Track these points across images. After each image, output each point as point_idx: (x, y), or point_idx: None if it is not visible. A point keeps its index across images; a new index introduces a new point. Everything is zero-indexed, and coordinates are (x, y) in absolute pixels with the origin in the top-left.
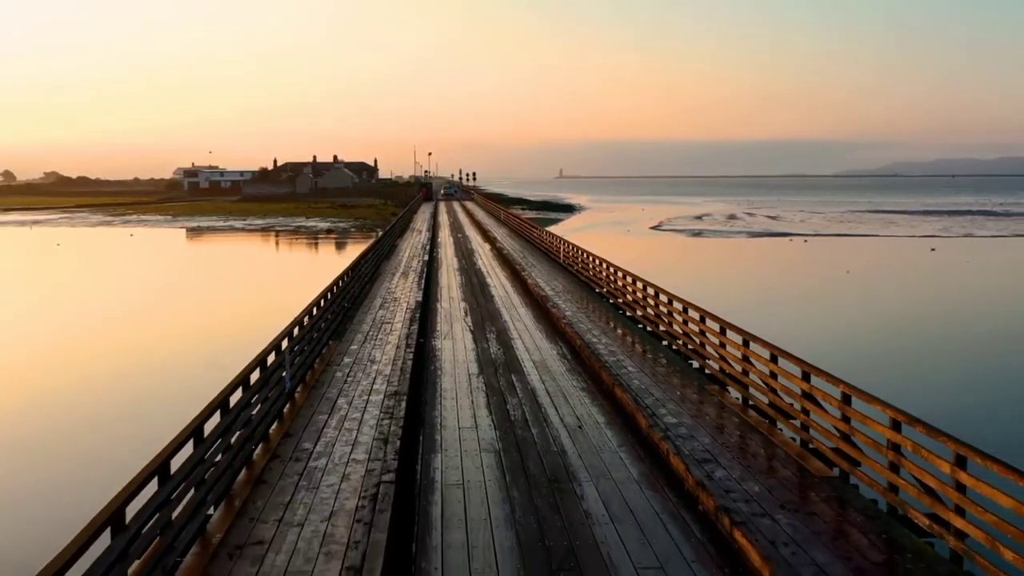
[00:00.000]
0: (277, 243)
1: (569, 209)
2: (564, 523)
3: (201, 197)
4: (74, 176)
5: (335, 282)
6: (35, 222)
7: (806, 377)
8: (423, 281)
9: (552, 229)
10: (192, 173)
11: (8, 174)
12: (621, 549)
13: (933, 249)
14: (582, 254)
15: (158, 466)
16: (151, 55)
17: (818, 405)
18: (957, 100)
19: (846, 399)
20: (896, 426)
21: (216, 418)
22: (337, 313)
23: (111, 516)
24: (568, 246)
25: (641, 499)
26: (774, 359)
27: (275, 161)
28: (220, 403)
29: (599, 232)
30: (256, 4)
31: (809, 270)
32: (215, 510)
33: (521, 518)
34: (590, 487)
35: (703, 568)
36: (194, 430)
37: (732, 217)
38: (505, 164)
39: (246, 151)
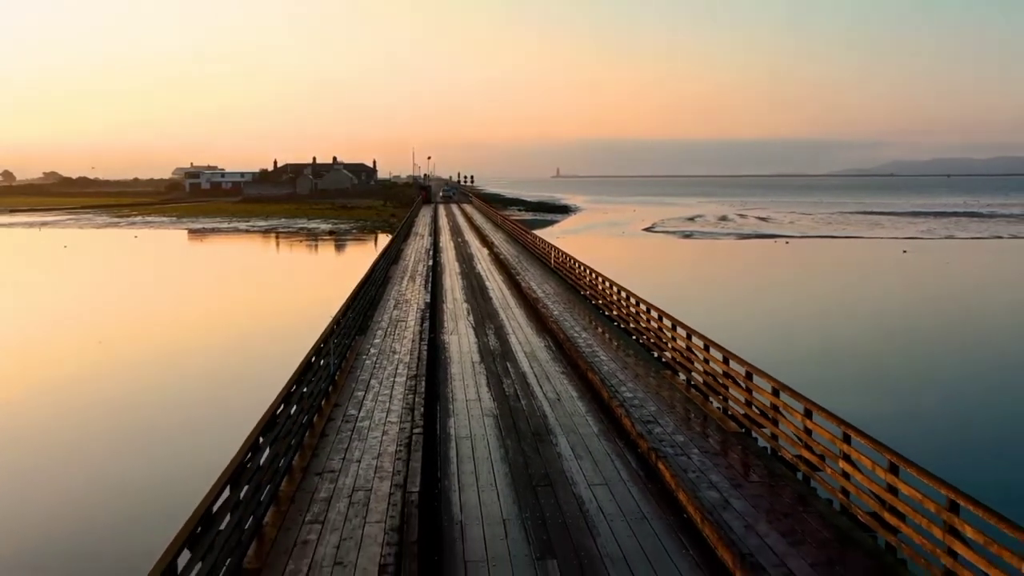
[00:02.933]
0: (282, 245)
1: (565, 210)
2: (542, 460)
3: (203, 198)
4: (74, 176)
5: (357, 288)
6: (43, 223)
7: (726, 360)
8: (429, 284)
9: (548, 231)
10: (194, 174)
11: (8, 174)
12: (580, 474)
13: (905, 251)
14: (569, 260)
15: (268, 421)
16: (148, 53)
17: (734, 382)
18: (955, 100)
19: (749, 376)
20: (776, 393)
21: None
22: (360, 313)
23: (251, 446)
24: (558, 252)
25: (598, 445)
26: (707, 348)
27: (275, 162)
28: (297, 380)
29: (594, 233)
30: (250, 3)
31: (775, 271)
32: (295, 454)
33: (512, 457)
34: (562, 438)
35: (634, 484)
36: (287, 395)
37: (724, 219)
38: (502, 164)
39: (246, 152)
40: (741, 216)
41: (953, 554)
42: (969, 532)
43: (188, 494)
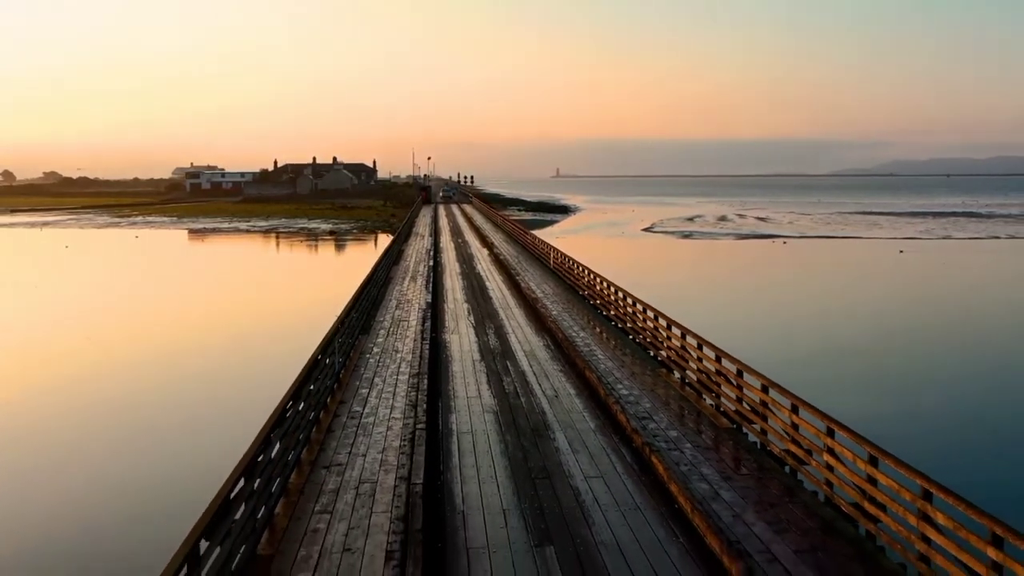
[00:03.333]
0: (282, 245)
1: (565, 211)
2: (540, 454)
3: (203, 198)
4: (74, 176)
5: (360, 289)
6: (44, 223)
7: (719, 359)
8: (430, 285)
9: (548, 231)
10: (194, 174)
11: (8, 174)
12: (577, 467)
13: (902, 251)
14: (567, 260)
15: (279, 417)
16: (148, 53)
17: (727, 379)
18: (955, 100)
19: (740, 374)
20: (765, 389)
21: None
22: (363, 313)
23: (264, 440)
24: (557, 253)
25: (594, 440)
26: (700, 347)
27: (275, 162)
28: (305, 378)
29: (593, 234)
30: (249, 2)
31: (774, 271)
32: (304, 449)
33: (512, 451)
34: (560, 434)
35: (628, 477)
36: (294, 393)
37: (723, 219)
38: (502, 164)
39: (246, 152)
40: (740, 216)
41: (926, 540)
42: (940, 519)
43: (188, 494)
